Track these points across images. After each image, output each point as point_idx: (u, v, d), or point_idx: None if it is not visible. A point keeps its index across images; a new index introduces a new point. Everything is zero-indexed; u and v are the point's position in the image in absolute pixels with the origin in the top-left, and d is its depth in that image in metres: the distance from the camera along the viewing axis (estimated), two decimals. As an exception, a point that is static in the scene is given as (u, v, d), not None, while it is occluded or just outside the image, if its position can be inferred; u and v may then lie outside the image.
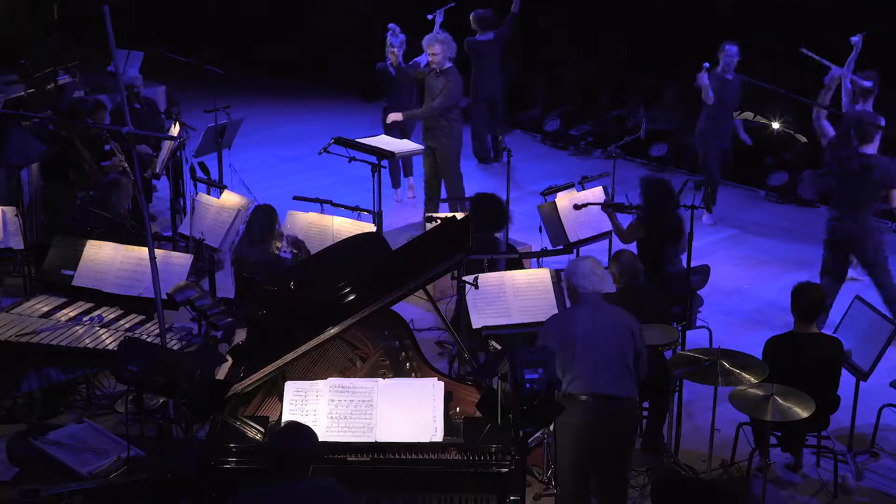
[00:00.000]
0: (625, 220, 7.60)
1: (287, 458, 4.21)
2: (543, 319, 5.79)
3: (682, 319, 6.72)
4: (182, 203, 9.39)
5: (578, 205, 7.77)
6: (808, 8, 10.88)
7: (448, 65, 9.39)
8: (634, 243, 7.50)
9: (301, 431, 4.32)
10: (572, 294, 5.58)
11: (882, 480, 6.31)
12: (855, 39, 8.59)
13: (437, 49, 9.29)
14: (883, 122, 7.79)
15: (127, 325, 6.66)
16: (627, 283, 6.55)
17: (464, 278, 6.33)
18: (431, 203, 9.58)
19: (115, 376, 5.26)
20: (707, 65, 9.51)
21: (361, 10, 15.09)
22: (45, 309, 6.75)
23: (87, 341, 6.40)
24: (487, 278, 6.63)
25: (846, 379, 6.21)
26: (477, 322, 6.52)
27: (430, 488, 4.79)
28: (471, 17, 11.45)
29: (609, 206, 7.60)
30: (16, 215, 7.90)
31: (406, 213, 10.24)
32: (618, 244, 7.73)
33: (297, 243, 7.30)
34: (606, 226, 7.88)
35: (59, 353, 6.37)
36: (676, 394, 6.38)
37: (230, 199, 8.13)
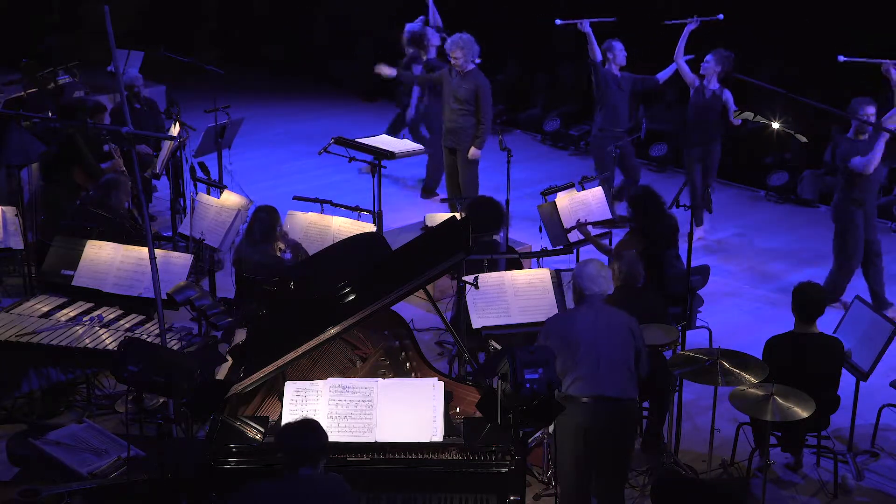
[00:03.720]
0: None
1: (299, 453, 4.26)
2: (543, 319, 5.78)
3: (682, 319, 6.71)
4: (182, 203, 9.40)
5: (582, 222, 7.75)
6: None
7: (471, 66, 9.30)
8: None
9: (311, 427, 4.39)
10: (577, 295, 5.58)
11: (882, 480, 6.30)
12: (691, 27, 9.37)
13: (458, 54, 9.22)
14: None
15: (127, 325, 6.66)
16: (625, 283, 6.54)
17: (464, 278, 6.33)
18: (451, 202, 9.50)
19: (115, 376, 5.25)
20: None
21: (361, 9, 15.10)
22: (45, 309, 6.75)
23: (87, 341, 6.40)
24: (487, 278, 6.62)
25: (846, 379, 6.21)
26: (477, 322, 6.51)
27: (430, 488, 4.79)
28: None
29: (596, 224, 7.64)
30: (16, 215, 7.90)
31: (406, 213, 10.23)
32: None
33: (294, 247, 7.29)
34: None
35: (59, 353, 6.36)
36: (676, 394, 6.38)
37: (230, 199, 8.13)
